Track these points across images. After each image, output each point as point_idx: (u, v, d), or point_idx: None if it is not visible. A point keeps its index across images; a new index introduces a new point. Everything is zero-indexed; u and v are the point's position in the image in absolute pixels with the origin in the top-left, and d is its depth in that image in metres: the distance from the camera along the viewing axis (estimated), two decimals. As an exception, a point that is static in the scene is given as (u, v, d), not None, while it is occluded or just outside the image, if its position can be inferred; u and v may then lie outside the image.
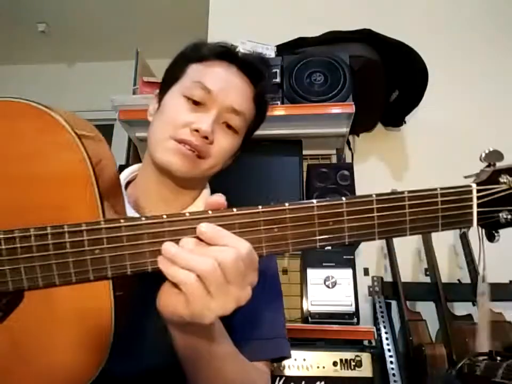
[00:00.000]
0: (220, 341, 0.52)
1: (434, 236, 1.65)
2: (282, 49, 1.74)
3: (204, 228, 0.42)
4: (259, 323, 0.68)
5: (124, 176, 0.76)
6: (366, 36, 1.71)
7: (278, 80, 1.59)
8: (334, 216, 0.45)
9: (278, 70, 1.60)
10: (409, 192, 0.46)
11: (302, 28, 1.83)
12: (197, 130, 0.65)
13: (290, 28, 1.87)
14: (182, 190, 0.73)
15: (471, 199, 0.46)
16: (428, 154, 1.88)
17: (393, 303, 1.62)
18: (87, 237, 0.44)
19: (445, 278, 1.63)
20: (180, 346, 0.50)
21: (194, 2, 2.56)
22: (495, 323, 1.43)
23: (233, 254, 0.41)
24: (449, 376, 1.24)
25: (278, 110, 1.57)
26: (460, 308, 1.61)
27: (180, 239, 0.43)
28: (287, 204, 0.45)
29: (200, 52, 0.72)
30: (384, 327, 1.49)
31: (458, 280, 1.68)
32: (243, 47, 1.63)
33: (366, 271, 1.71)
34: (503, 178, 0.47)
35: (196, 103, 0.68)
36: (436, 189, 0.46)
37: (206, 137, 0.66)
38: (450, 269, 1.73)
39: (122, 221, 0.44)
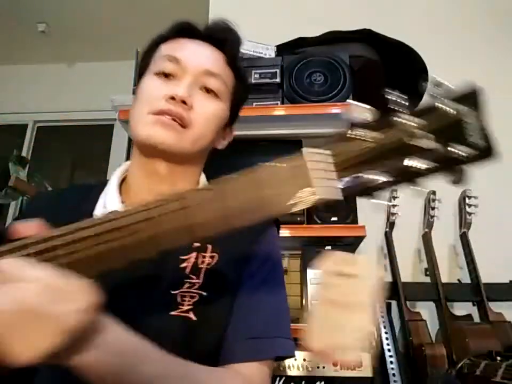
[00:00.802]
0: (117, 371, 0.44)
1: (434, 235, 1.65)
2: (282, 49, 1.73)
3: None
4: (255, 321, 0.62)
5: (116, 176, 0.72)
6: (366, 36, 1.71)
7: (278, 80, 1.59)
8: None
9: (278, 70, 1.60)
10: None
11: (302, 27, 1.83)
12: (172, 98, 0.63)
13: (290, 27, 1.87)
14: (174, 176, 0.67)
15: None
16: (428, 154, 1.88)
17: (393, 303, 1.62)
18: None
19: (445, 278, 1.63)
20: None
21: (194, 2, 2.56)
22: (495, 323, 1.44)
23: (27, 290, 0.37)
24: (449, 376, 1.24)
25: (278, 110, 1.56)
26: (460, 308, 1.61)
27: None
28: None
29: (163, 35, 0.73)
30: (384, 327, 1.49)
31: (458, 280, 1.68)
32: (243, 47, 1.63)
33: (366, 271, 1.71)
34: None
35: (168, 75, 0.66)
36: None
37: (185, 103, 0.63)
38: (450, 269, 1.73)
39: None
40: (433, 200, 1.69)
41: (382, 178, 0.38)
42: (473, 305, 1.57)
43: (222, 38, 0.72)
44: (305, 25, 1.88)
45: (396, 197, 1.68)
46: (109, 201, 0.67)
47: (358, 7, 2.08)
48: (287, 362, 1.28)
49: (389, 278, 1.67)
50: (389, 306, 1.60)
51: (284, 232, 1.43)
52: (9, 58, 3.29)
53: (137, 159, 0.69)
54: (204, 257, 0.64)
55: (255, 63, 1.61)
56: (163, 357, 0.48)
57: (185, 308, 0.59)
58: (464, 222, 1.65)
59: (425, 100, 0.39)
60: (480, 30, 2.05)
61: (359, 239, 1.47)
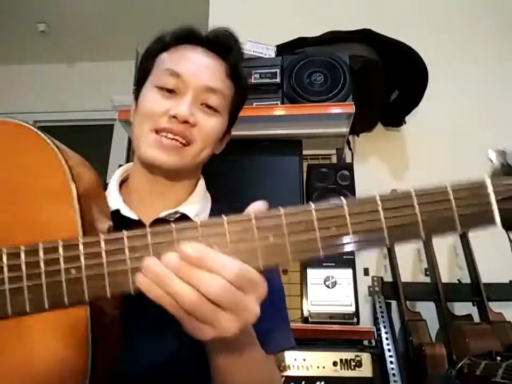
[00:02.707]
0: (248, 348, 0.52)
1: (434, 236, 1.65)
2: (282, 49, 1.73)
3: (189, 250, 0.38)
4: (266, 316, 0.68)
5: (118, 175, 0.75)
6: (366, 36, 1.71)
7: (278, 80, 1.59)
8: (335, 220, 0.39)
9: (278, 70, 1.60)
10: (416, 190, 0.40)
11: (302, 28, 1.83)
12: (174, 117, 0.65)
13: (290, 27, 1.87)
14: (175, 183, 0.71)
15: (487, 194, 0.39)
16: (428, 154, 1.88)
17: (393, 303, 1.62)
18: (63, 254, 0.39)
19: (445, 278, 1.63)
20: (212, 357, 0.51)
21: (194, 2, 2.56)
22: (495, 323, 1.44)
23: (218, 283, 0.37)
24: (449, 376, 1.24)
25: (278, 110, 1.56)
26: (460, 308, 1.61)
27: (164, 254, 0.38)
28: (281, 209, 0.40)
29: (164, 41, 0.72)
30: (384, 327, 1.49)
31: (458, 280, 1.68)
32: (243, 47, 1.63)
33: (366, 271, 1.71)
34: None
35: (170, 91, 0.67)
36: (445, 185, 0.40)
37: (186, 122, 0.65)
38: (450, 269, 1.73)
39: (101, 236, 0.40)
40: (433, 200, 1.69)
41: None
42: (473, 305, 1.57)
43: (226, 47, 0.72)
44: (305, 25, 1.88)
45: (396, 197, 1.68)
46: (111, 200, 0.69)
47: (358, 7, 2.08)
48: (287, 362, 1.28)
49: (389, 278, 1.67)
50: (389, 306, 1.60)
51: (284, 232, 1.43)
52: (9, 58, 3.29)
53: (139, 167, 0.71)
54: None
55: (255, 63, 1.61)
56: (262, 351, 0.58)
57: None
58: (464, 222, 1.65)
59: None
60: (480, 30, 2.05)
61: (359, 239, 1.47)
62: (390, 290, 1.63)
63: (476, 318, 1.53)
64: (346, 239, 0.39)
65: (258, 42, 1.66)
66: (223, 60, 0.71)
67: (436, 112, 1.89)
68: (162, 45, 0.72)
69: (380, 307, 1.57)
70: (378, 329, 1.48)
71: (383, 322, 1.51)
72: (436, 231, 0.39)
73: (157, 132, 0.66)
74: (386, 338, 1.45)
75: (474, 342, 1.34)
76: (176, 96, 0.67)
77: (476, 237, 1.62)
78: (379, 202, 0.39)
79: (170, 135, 0.65)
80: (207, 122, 0.68)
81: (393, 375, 1.35)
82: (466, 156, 1.84)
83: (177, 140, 0.65)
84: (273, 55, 1.67)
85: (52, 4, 2.84)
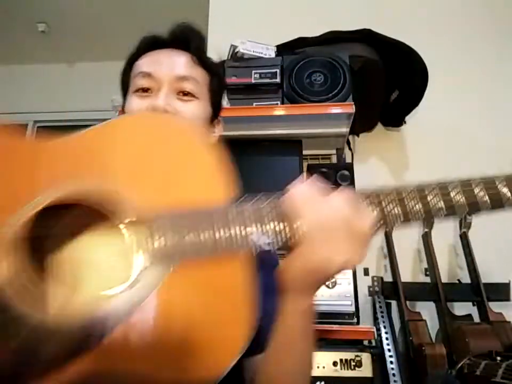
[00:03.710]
0: (310, 329, 0.56)
1: (434, 235, 1.65)
2: (282, 49, 1.73)
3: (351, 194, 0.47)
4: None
5: None
6: (366, 36, 1.71)
7: (278, 80, 1.59)
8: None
9: (278, 70, 1.60)
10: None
11: (302, 27, 1.83)
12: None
13: (290, 27, 1.87)
14: None
15: None
16: (428, 154, 1.88)
17: (393, 303, 1.62)
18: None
19: (445, 278, 1.63)
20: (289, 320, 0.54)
21: (194, 2, 2.55)
22: (495, 323, 1.44)
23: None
24: (449, 376, 1.24)
25: (278, 110, 1.56)
26: (460, 308, 1.61)
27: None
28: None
29: (134, 52, 0.79)
30: (384, 327, 1.49)
31: (458, 280, 1.68)
32: (243, 47, 1.63)
33: (366, 271, 1.71)
34: None
35: (145, 90, 0.72)
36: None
37: (166, 112, 0.69)
38: (450, 269, 1.73)
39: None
40: (433, 200, 1.68)
41: None
42: (473, 305, 1.57)
43: (185, 40, 0.77)
44: (305, 25, 1.88)
45: (396, 197, 1.68)
46: None
47: (358, 7, 2.08)
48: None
49: (389, 278, 1.67)
50: (389, 306, 1.60)
51: (284, 232, 1.43)
52: (9, 58, 3.29)
53: None
54: None
55: (255, 63, 1.61)
56: None
57: None
58: (464, 222, 1.65)
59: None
60: (480, 30, 2.05)
61: (359, 239, 1.47)
62: (390, 290, 1.63)
63: (476, 318, 1.53)
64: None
65: (258, 42, 1.66)
66: (187, 51, 0.76)
67: (435, 112, 1.89)
68: (133, 57, 0.79)
69: (380, 307, 1.57)
70: (378, 329, 1.48)
71: (383, 322, 1.51)
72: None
73: None
74: (386, 338, 1.45)
75: (474, 342, 1.34)
76: (152, 94, 0.71)
77: (476, 236, 1.62)
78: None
79: None
80: (185, 108, 0.71)
81: (393, 375, 1.35)
82: (466, 156, 1.84)
83: None
84: (273, 55, 1.67)
85: (51, 4, 2.84)
